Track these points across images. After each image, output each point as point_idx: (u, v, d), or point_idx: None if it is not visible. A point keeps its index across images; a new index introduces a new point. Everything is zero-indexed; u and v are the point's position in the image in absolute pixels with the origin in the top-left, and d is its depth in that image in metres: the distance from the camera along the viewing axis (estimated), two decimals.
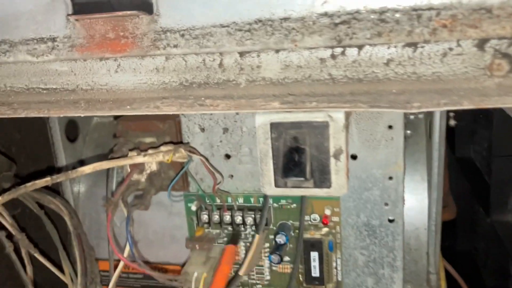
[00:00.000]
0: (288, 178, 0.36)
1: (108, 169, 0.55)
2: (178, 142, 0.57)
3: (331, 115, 0.35)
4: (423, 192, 0.63)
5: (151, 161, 0.52)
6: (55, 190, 0.67)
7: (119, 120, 0.59)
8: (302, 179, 0.35)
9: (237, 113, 0.55)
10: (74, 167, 0.72)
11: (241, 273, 0.51)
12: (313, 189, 0.36)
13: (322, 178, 0.36)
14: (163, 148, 0.54)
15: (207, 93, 0.40)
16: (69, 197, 0.73)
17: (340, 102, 0.35)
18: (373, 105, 0.34)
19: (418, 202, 0.63)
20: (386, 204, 0.54)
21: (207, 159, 0.55)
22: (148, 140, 0.57)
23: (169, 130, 0.58)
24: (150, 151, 0.53)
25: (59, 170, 0.71)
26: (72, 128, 0.73)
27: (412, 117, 0.62)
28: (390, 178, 0.53)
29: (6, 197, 0.52)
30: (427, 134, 0.61)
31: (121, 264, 0.54)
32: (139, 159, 0.52)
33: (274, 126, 0.36)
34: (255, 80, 0.38)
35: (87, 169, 0.50)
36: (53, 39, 0.40)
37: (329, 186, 0.36)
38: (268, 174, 0.37)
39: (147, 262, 0.64)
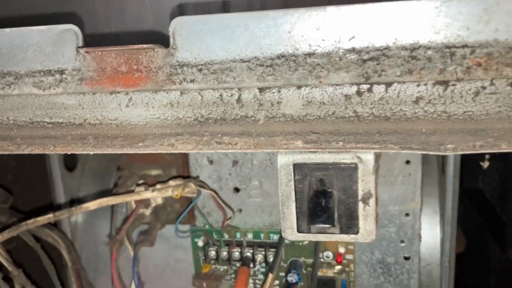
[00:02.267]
0: (315, 225, 0.34)
1: (112, 205, 0.52)
2: (186, 175, 0.55)
3: (360, 157, 0.33)
4: (435, 226, 0.61)
5: (159, 196, 0.50)
6: None
7: None
8: (329, 225, 0.33)
9: None
10: (72, 198, 0.69)
11: None
12: (339, 235, 0.34)
13: (349, 224, 0.34)
14: (172, 183, 0.51)
15: (224, 129, 0.38)
16: (66, 228, 0.70)
17: (369, 142, 0.33)
18: (405, 147, 0.32)
19: (430, 237, 0.61)
20: (402, 241, 0.52)
21: (217, 194, 0.53)
22: (154, 172, 0.55)
23: (176, 161, 0.56)
24: (158, 186, 0.51)
25: (56, 201, 0.68)
26: (70, 157, 0.71)
27: None
28: (407, 214, 0.51)
29: (6, 235, 0.49)
30: (439, 167, 0.60)
31: None
32: (147, 194, 0.50)
33: (297, 167, 0.34)
34: (274, 117, 0.37)
35: (91, 205, 0.48)
36: (61, 72, 0.38)
37: (356, 232, 0.34)
38: (290, 218, 0.35)
39: None
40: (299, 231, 0.35)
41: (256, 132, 0.37)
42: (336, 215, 0.33)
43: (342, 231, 0.34)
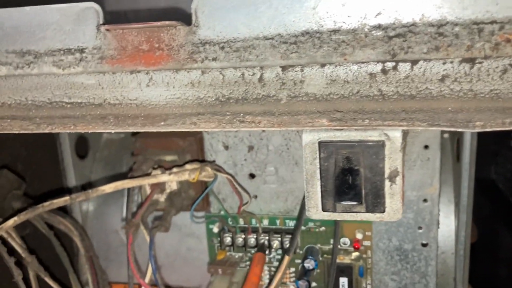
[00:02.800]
0: (342, 202, 0.33)
1: (128, 189, 0.52)
2: (201, 160, 0.55)
3: (387, 134, 0.32)
4: (450, 215, 0.61)
5: (176, 180, 0.49)
6: (62, 209, 0.64)
7: (137, 137, 0.57)
8: (356, 203, 0.33)
9: (263, 131, 0.52)
10: (83, 185, 0.69)
11: None
12: (365, 214, 0.34)
13: (375, 202, 0.33)
14: (188, 167, 0.51)
15: (245, 109, 0.37)
16: (77, 216, 0.70)
17: (396, 120, 0.32)
18: (432, 124, 0.31)
19: (445, 226, 0.60)
20: (420, 228, 0.52)
21: (234, 178, 0.52)
22: (169, 158, 0.54)
23: (190, 147, 0.55)
24: (175, 169, 0.50)
25: (68, 189, 0.68)
26: (82, 145, 0.71)
27: None
28: (425, 200, 0.51)
29: (23, 217, 0.49)
30: (454, 155, 0.59)
31: None
32: (164, 177, 0.49)
33: (323, 145, 0.33)
34: (297, 96, 0.36)
35: (108, 188, 0.47)
36: (81, 50, 0.38)
37: (382, 211, 0.33)
38: (314, 197, 0.34)
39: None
40: (324, 210, 0.34)
41: (278, 111, 0.36)
42: (363, 192, 0.33)
43: (368, 210, 0.34)
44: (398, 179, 0.32)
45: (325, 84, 0.35)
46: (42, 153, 0.69)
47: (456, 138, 0.55)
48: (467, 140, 0.52)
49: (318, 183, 0.34)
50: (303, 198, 0.43)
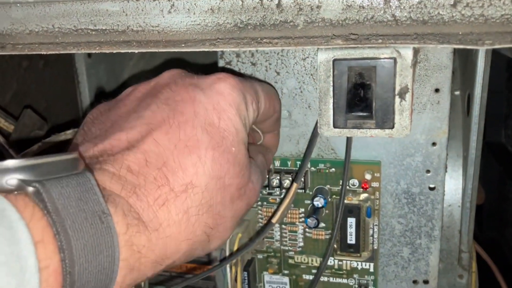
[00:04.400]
0: (353, 113, 0.35)
1: None
2: None
3: (399, 51, 0.34)
4: (458, 169, 0.62)
5: None
6: None
7: None
8: (367, 114, 0.34)
9: (278, 74, 0.54)
10: None
11: (274, 220, 0.50)
12: (374, 130, 0.35)
13: (385, 118, 0.35)
14: None
15: (262, 34, 0.39)
16: None
17: (408, 39, 0.34)
18: (443, 42, 0.33)
19: (452, 179, 0.61)
20: (428, 171, 0.53)
21: None
22: None
23: None
24: None
25: None
26: (101, 95, 0.73)
27: None
28: (434, 144, 0.52)
29: (44, 145, 0.51)
30: (464, 111, 0.60)
31: None
32: None
33: (337, 62, 0.35)
34: (313, 21, 0.38)
35: None
36: None
37: (391, 127, 0.35)
38: (326, 114, 0.36)
39: None
40: (335, 126, 0.36)
41: (294, 36, 0.38)
42: (374, 105, 0.35)
43: (377, 125, 0.35)
44: (408, 96, 0.34)
45: (341, 9, 0.37)
46: (62, 103, 0.71)
47: (467, 94, 0.56)
48: (477, 93, 0.53)
49: (331, 100, 0.36)
50: (316, 122, 0.44)
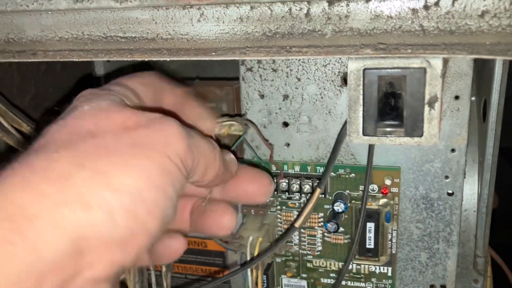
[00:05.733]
0: (384, 121, 0.35)
1: None
2: (236, 111, 0.57)
3: (429, 61, 0.34)
4: (473, 174, 0.62)
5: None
6: None
7: None
8: (398, 123, 0.35)
9: (298, 80, 0.54)
10: None
11: (297, 224, 0.51)
12: (403, 138, 0.36)
13: (414, 126, 0.35)
14: (218, 120, 0.54)
15: (291, 43, 0.40)
16: None
17: (437, 49, 0.35)
18: (472, 52, 0.34)
19: (468, 184, 0.62)
20: (447, 177, 0.54)
21: (259, 132, 0.55)
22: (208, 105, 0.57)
23: (227, 97, 0.58)
24: None
25: None
26: None
27: None
28: (453, 150, 0.52)
29: None
30: (480, 117, 0.61)
31: None
32: None
33: (367, 72, 0.35)
34: (342, 31, 0.38)
35: None
36: None
37: (420, 135, 0.35)
38: (356, 122, 0.37)
39: None
40: (364, 134, 0.37)
41: (323, 45, 0.39)
42: (404, 114, 0.35)
43: (406, 134, 0.36)
44: (437, 105, 0.35)
45: (369, 19, 0.37)
46: None
47: (484, 100, 0.57)
48: (495, 98, 0.54)
49: (361, 108, 0.36)
50: (343, 126, 0.45)
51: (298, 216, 0.51)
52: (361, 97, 0.36)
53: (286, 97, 0.55)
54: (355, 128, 0.37)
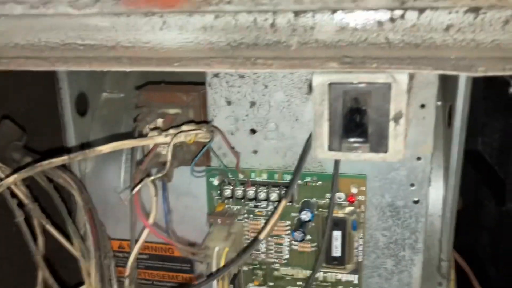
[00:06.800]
0: (349, 139, 0.35)
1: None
2: (202, 117, 0.56)
3: (394, 77, 0.34)
4: (439, 179, 0.63)
5: (173, 141, 0.51)
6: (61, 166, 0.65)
7: (141, 90, 0.58)
8: (362, 139, 0.35)
9: (266, 87, 0.54)
10: (82, 144, 0.70)
11: (261, 237, 0.50)
12: (368, 154, 0.36)
13: (379, 143, 0.35)
14: (184, 128, 0.53)
15: (256, 54, 0.39)
16: (76, 174, 0.70)
17: (403, 64, 0.34)
18: (437, 67, 0.33)
19: (434, 189, 0.62)
20: (412, 185, 0.54)
21: (226, 139, 0.55)
22: (172, 111, 0.56)
23: (193, 102, 0.57)
24: (171, 131, 0.52)
25: (67, 148, 0.68)
26: (82, 102, 0.71)
27: None
28: (418, 158, 0.53)
29: (23, 174, 0.50)
30: (445, 122, 0.61)
31: (145, 231, 0.53)
32: (160, 139, 0.51)
33: (332, 86, 0.35)
34: (307, 42, 0.38)
35: (105, 148, 0.49)
36: None
37: (385, 151, 0.35)
38: (321, 137, 0.36)
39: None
40: (330, 149, 0.36)
41: (288, 57, 0.38)
42: (369, 130, 0.35)
43: (371, 149, 0.35)
44: (402, 121, 0.34)
45: (334, 31, 0.37)
46: (41, 108, 0.69)
47: (449, 105, 0.57)
48: (459, 105, 0.54)
49: (326, 123, 0.36)
50: (310, 134, 0.44)
51: (263, 228, 0.50)
52: (326, 112, 0.35)
53: (253, 104, 0.55)
54: (320, 143, 0.36)
